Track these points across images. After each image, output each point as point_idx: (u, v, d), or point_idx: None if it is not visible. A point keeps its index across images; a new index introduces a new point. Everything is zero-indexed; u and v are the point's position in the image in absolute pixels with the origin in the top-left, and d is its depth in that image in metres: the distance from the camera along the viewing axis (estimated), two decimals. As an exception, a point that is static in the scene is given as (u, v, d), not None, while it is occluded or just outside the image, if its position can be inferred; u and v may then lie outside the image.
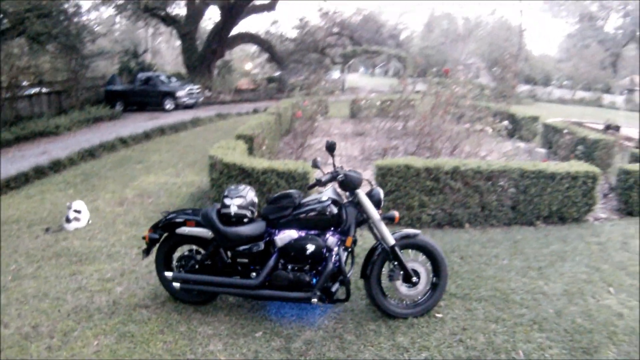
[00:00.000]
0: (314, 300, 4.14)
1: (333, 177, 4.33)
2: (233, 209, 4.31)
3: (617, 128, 15.42)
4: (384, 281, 4.50)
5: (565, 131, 11.00)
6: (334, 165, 4.41)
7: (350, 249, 4.32)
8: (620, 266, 5.70)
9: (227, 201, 4.35)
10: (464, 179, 6.94)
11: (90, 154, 12.41)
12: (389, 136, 12.38)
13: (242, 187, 4.49)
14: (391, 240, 4.26)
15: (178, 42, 56.27)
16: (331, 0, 33.35)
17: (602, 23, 57.45)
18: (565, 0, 53.97)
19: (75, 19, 22.04)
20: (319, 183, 4.39)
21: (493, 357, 3.83)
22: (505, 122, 10.84)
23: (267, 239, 4.35)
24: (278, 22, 42.00)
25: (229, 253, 4.44)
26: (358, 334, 4.18)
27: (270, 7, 31.46)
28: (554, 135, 11.66)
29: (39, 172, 10.54)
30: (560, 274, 5.40)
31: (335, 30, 36.86)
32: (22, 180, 10.00)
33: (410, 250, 4.53)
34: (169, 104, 23.32)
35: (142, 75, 24.72)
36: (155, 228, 4.58)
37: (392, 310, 4.38)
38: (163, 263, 4.71)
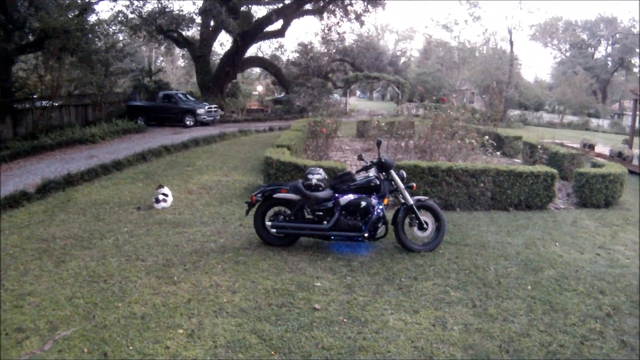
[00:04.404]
0: (366, 236, 6.65)
1: (375, 163, 6.87)
2: (314, 181, 6.85)
3: (591, 146, 18.16)
4: (406, 228, 7.07)
5: (538, 146, 13.56)
6: (379, 154, 6.96)
7: (386, 206, 6.84)
8: (567, 233, 8.32)
9: (309, 176, 6.89)
10: (455, 175, 9.50)
11: (142, 157, 14.74)
12: (394, 152, 14.70)
13: (318, 169, 7.05)
14: (411, 201, 6.89)
15: (182, 63, 58.78)
16: (334, 27, 35.09)
17: (592, 51, 60.37)
18: (555, 30, 56.69)
19: (104, 38, 24.04)
20: (366, 168, 6.99)
21: (474, 271, 6.30)
22: (486, 137, 13.27)
23: (334, 200, 6.86)
24: (284, 47, 44.30)
25: (308, 210, 6.94)
26: (391, 258, 6.70)
27: (280, 33, 33.91)
28: (531, 150, 14.20)
29: (105, 169, 12.85)
30: (522, 235, 8.01)
31: (338, 56, 39.50)
32: (92, 174, 12.26)
33: (422, 210, 7.05)
34: (189, 121, 25.22)
35: (162, 93, 26.70)
36: (257, 195, 7.01)
37: (411, 246, 6.94)
38: (260, 219, 7.12)
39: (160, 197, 9.50)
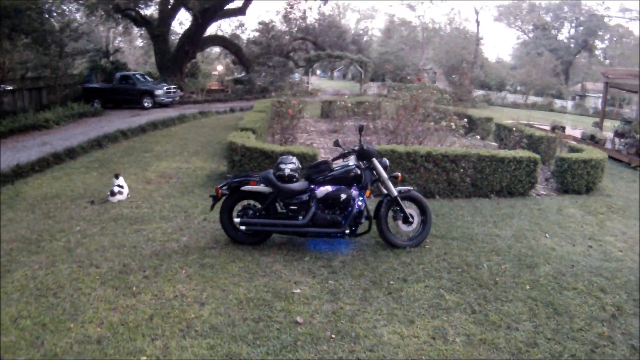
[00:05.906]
0: (346, 232, 6.01)
1: (354, 150, 6.23)
2: (287, 172, 6.13)
3: (562, 128, 17.92)
4: (389, 222, 6.45)
5: (514, 129, 13.16)
6: (360, 141, 6.30)
7: (367, 198, 6.21)
8: (554, 222, 7.89)
9: (282, 166, 6.17)
10: (435, 161, 8.94)
11: (97, 143, 13.73)
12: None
13: (291, 157, 6.33)
14: (395, 192, 6.26)
15: (140, 42, 56.84)
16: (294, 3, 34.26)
17: (556, 33, 60.92)
18: (520, 12, 56.98)
19: (58, 18, 22.82)
20: (344, 155, 6.32)
21: (466, 269, 5.76)
22: (464, 120, 12.84)
23: (309, 192, 6.17)
24: (245, 25, 43.17)
25: (281, 204, 6.23)
26: (375, 257, 6.09)
27: (241, 11, 32.84)
28: (505, 132, 13.80)
29: (57, 158, 11.80)
30: (510, 225, 7.53)
31: (300, 35, 38.63)
32: (44, 164, 11.22)
33: (406, 201, 6.45)
34: (147, 102, 24.17)
35: (119, 74, 25.37)
36: (222, 187, 6.29)
37: (395, 242, 6.34)
38: (227, 214, 6.41)
39: (116, 189, 8.69)
